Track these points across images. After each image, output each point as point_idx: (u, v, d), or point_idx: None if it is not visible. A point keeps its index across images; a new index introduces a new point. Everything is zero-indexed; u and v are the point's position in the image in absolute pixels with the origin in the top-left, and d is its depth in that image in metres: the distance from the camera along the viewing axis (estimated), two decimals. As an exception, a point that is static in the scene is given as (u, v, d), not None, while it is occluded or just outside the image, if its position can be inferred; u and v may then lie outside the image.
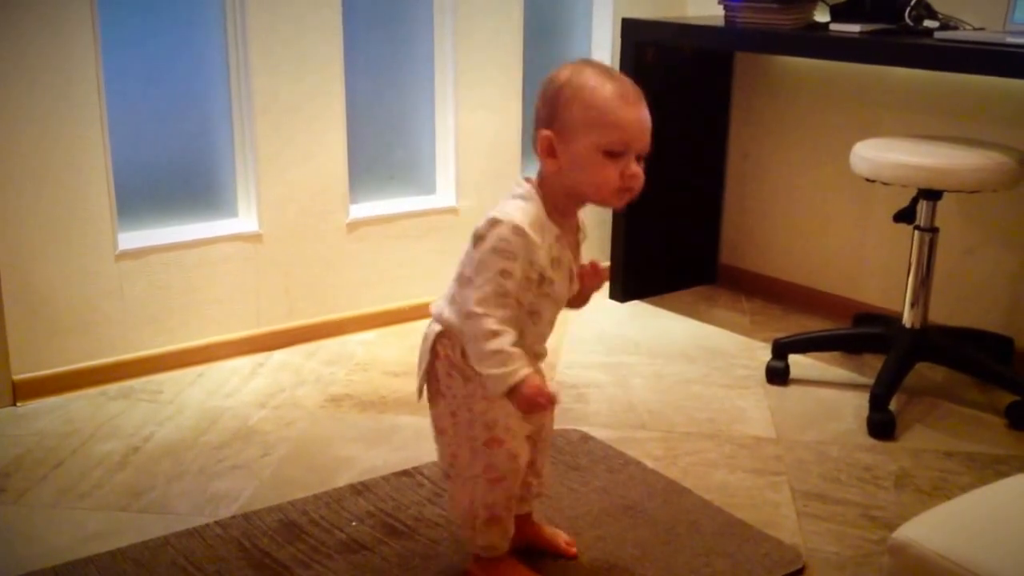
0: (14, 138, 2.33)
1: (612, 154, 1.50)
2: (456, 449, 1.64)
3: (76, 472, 2.11)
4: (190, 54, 2.61)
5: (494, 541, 1.68)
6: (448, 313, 1.57)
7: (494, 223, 1.50)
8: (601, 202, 1.57)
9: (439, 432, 1.66)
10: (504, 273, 1.48)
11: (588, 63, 1.56)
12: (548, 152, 1.54)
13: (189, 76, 2.62)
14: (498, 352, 1.47)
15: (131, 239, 2.56)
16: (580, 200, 1.58)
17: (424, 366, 1.63)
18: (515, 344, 1.49)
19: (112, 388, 2.51)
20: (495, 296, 1.48)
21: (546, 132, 1.53)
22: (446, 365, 1.59)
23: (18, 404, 2.41)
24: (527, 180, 1.57)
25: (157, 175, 2.64)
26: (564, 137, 1.52)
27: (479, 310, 1.48)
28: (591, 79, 1.52)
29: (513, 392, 1.48)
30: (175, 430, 2.30)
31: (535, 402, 1.49)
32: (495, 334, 1.48)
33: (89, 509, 1.97)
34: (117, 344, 2.55)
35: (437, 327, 1.60)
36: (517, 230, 1.49)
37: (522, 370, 1.48)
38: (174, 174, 2.66)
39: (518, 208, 1.52)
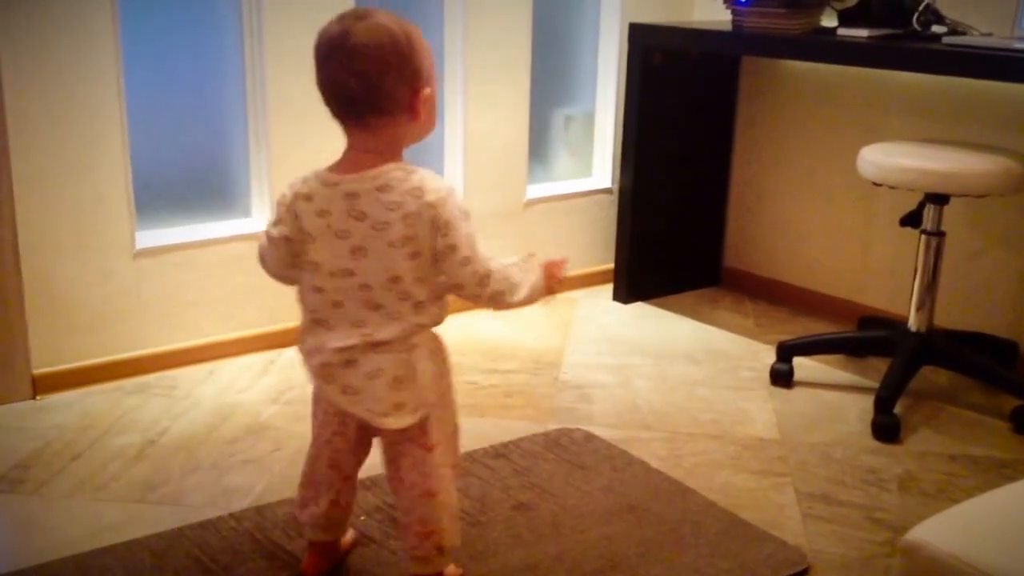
0: (35, 138, 2.37)
1: None
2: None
3: (93, 465, 2.15)
4: (207, 56, 2.65)
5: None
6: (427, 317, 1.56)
7: (452, 192, 1.49)
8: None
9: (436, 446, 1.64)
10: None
11: (376, 10, 1.47)
12: (419, 110, 1.48)
13: (206, 78, 2.66)
14: (516, 273, 1.55)
15: (148, 238, 2.60)
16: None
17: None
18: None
19: (128, 383, 2.55)
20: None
21: (428, 89, 1.47)
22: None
23: (38, 398, 2.46)
24: (397, 156, 1.51)
25: (173, 175, 2.67)
26: (426, 86, 1.48)
27: (491, 265, 1.53)
28: (409, 23, 1.46)
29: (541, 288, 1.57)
30: (189, 425, 2.34)
31: (554, 275, 1.58)
32: (506, 267, 1.54)
33: (106, 501, 2.01)
34: (133, 340, 2.59)
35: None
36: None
37: (534, 268, 1.57)
38: (190, 174, 2.70)
39: (433, 175, 1.50)
